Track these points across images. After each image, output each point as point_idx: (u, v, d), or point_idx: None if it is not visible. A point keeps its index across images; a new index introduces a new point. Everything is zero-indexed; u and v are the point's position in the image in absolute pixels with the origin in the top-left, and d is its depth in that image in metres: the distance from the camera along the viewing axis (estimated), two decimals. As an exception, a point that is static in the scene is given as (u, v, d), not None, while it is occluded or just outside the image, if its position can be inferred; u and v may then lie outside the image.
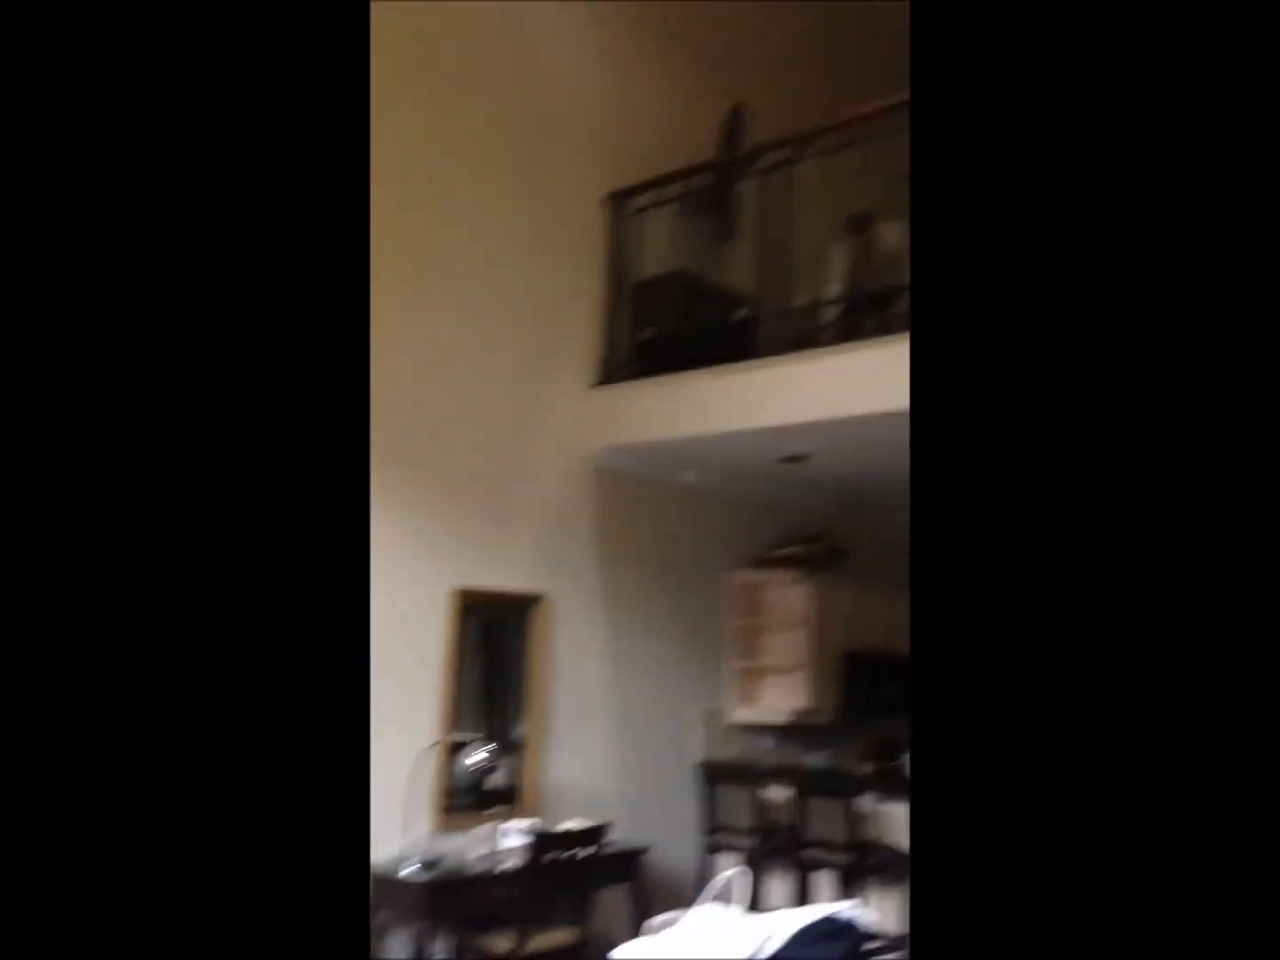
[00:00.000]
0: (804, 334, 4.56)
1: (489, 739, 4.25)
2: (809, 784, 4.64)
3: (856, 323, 4.62)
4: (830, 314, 4.72)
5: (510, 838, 4.05)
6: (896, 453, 4.51)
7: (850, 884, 4.36)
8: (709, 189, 5.07)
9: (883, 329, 4.21)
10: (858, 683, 5.12)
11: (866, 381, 3.91)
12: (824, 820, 4.54)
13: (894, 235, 4.69)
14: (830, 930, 1.96)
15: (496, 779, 4.34)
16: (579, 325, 4.93)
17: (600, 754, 4.82)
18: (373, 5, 1.52)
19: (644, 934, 2.17)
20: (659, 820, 4.82)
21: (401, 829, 3.90)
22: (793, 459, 4.79)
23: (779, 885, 4.54)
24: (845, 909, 2.04)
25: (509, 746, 4.46)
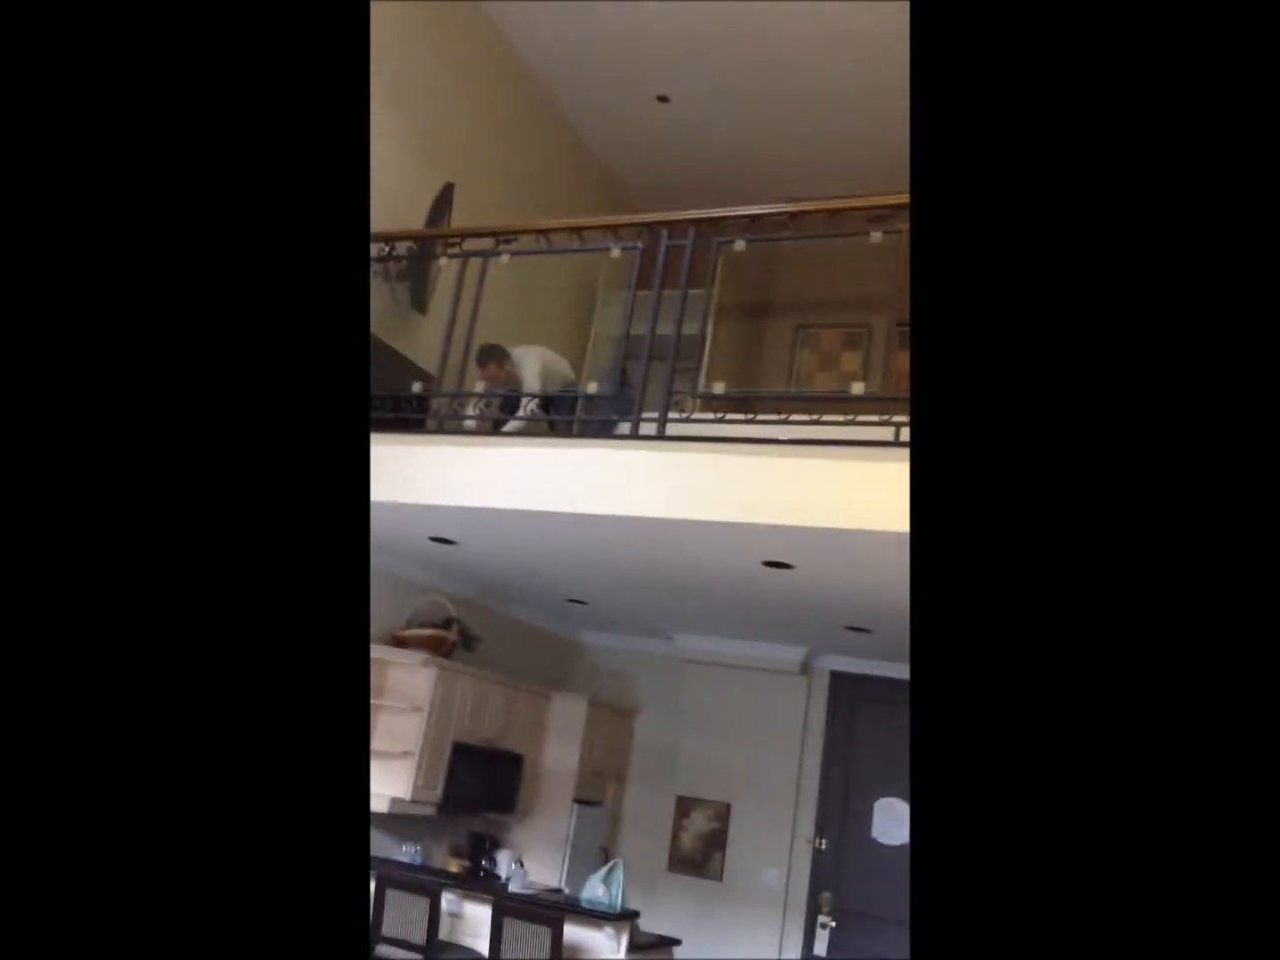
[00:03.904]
0: (478, 419, 4.58)
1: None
2: (390, 876, 4.46)
3: (503, 420, 4.78)
4: (483, 408, 4.83)
5: None
6: (537, 548, 4.59)
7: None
8: (411, 258, 5.03)
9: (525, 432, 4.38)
10: (463, 776, 5.04)
11: (513, 477, 3.95)
12: (402, 915, 4.37)
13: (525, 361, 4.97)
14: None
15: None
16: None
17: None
18: None
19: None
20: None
21: None
22: (441, 540, 4.73)
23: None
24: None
25: None
